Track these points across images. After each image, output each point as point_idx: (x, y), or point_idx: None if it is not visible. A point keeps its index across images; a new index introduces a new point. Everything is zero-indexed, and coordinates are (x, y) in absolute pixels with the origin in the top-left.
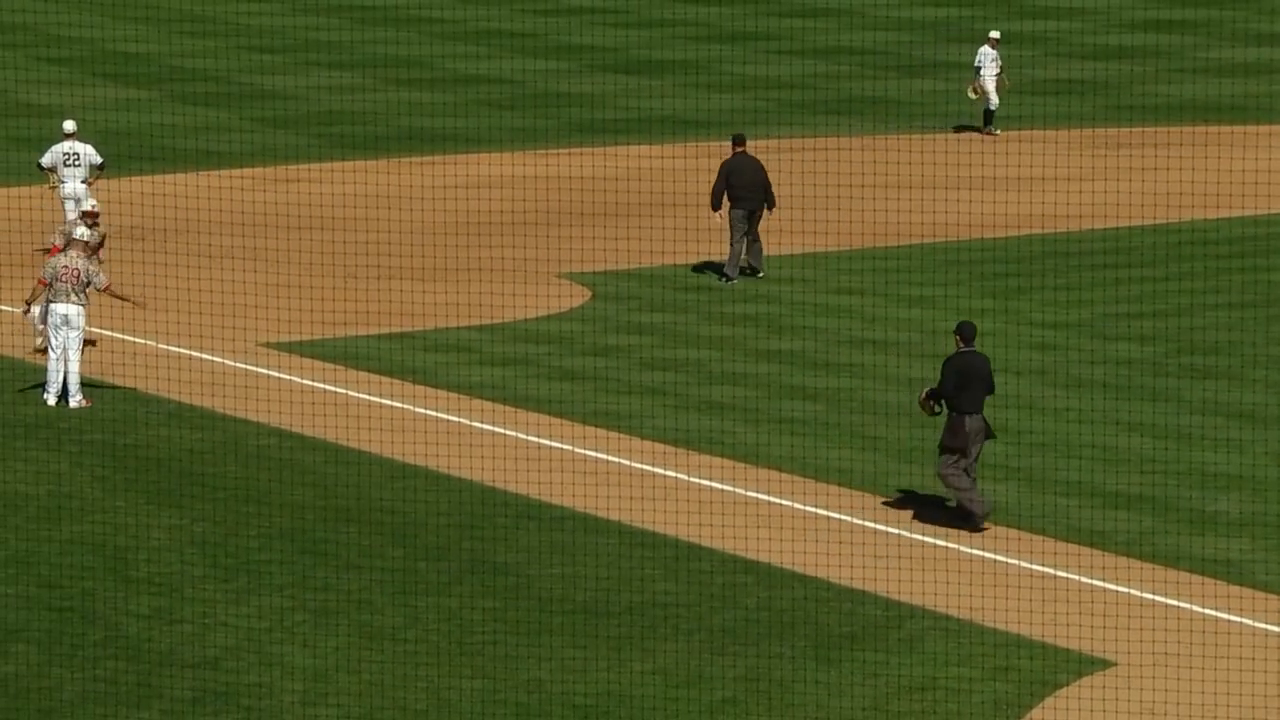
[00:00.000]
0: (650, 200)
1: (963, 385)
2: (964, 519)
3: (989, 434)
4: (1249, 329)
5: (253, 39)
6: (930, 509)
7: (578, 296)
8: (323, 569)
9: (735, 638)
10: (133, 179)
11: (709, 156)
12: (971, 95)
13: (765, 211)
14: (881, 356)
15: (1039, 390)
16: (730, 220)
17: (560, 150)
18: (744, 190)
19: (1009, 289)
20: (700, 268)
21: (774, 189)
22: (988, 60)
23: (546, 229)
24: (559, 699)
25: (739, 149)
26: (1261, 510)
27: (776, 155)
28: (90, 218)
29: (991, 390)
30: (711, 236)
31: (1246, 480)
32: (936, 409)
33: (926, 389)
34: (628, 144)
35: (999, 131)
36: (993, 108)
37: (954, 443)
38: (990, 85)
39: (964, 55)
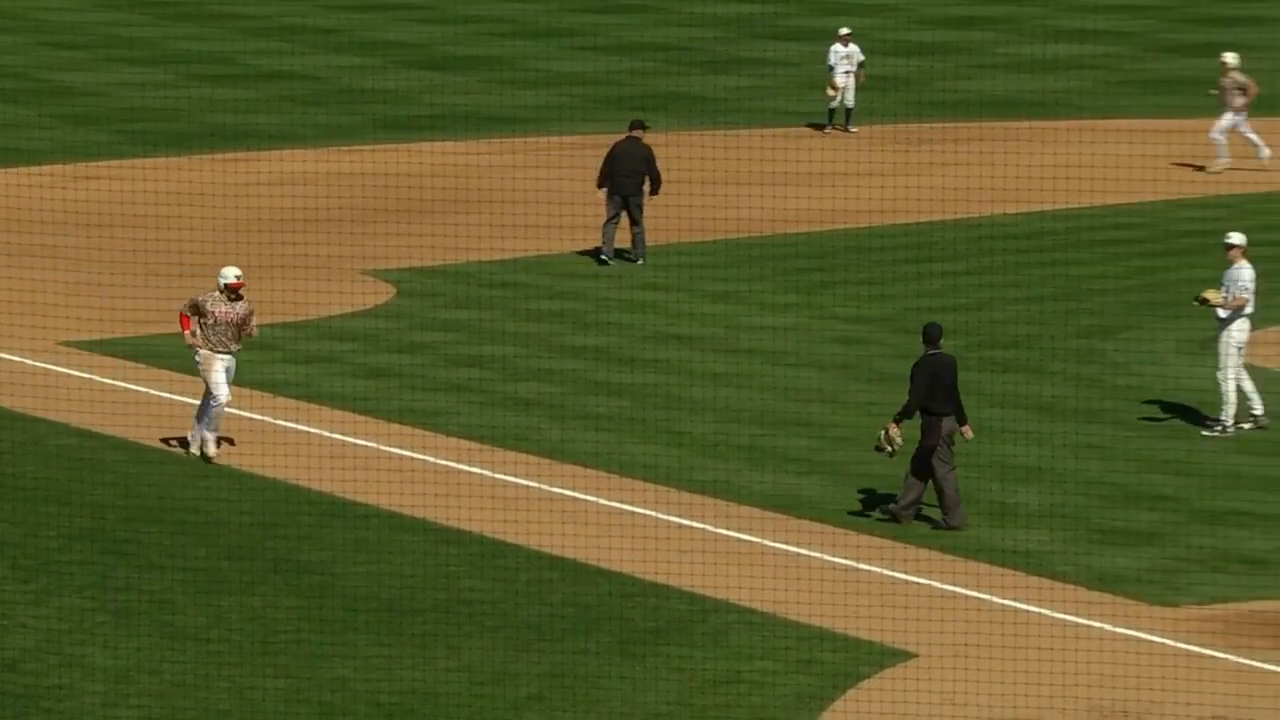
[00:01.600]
0: (455, 197)
1: (934, 387)
2: (889, 515)
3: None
4: (1048, 322)
5: (53, 35)
6: (734, 503)
7: (382, 293)
8: (124, 569)
9: (541, 634)
10: None
11: (514, 153)
12: (830, 93)
13: (647, 197)
14: (686, 352)
15: (842, 384)
16: (606, 202)
17: (365, 147)
18: (618, 176)
19: (812, 284)
20: (582, 252)
21: (661, 175)
22: (838, 58)
23: (351, 226)
24: (364, 697)
25: (630, 133)
26: (1060, 502)
27: (581, 152)
28: (233, 291)
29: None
30: (516, 233)
31: (1046, 472)
32: (896, 445)
33: (895, 418)
34: (433, 140)
35: (854, 129)
36: (849, 105)
37: (931, 441)
38: (844, 82)
39: (768, 52)
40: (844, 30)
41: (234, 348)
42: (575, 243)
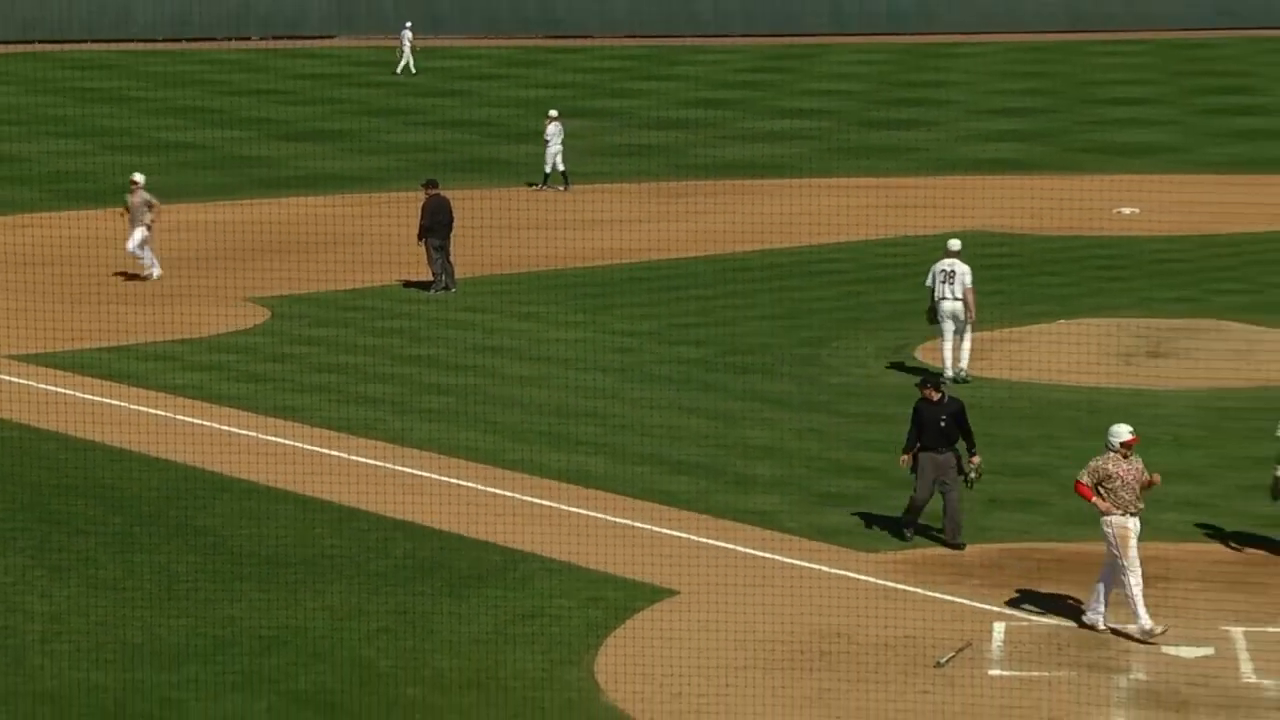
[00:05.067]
0: (318, 240)
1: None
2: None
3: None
4: (778, 335)
5: None
6: (537, 477)
7: (260, 316)
8: (57, 534)
9: (387, 580)
10: None
11: (363, 205)
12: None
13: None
14: (499, 360)
15: (619, 383)
16: (429, 248)
17: (246, 201)
18: (439, 225)
19: (596, 306)
20: (409, 284)
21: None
22: (553, 132)
23: (234, 263)
24: (248, 631)
25: (435, 191)
26: (788, 473)
27: (416, 204)
28: (1128, 448)
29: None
30: (365, 268)
31: (777, 451)
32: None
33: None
34: (300, 195)
35: (561, 189)
36: (561, 169)
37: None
38: (557, 150)
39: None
40: (553, 112)
41: (1140, 505)
42: (410, 274)
